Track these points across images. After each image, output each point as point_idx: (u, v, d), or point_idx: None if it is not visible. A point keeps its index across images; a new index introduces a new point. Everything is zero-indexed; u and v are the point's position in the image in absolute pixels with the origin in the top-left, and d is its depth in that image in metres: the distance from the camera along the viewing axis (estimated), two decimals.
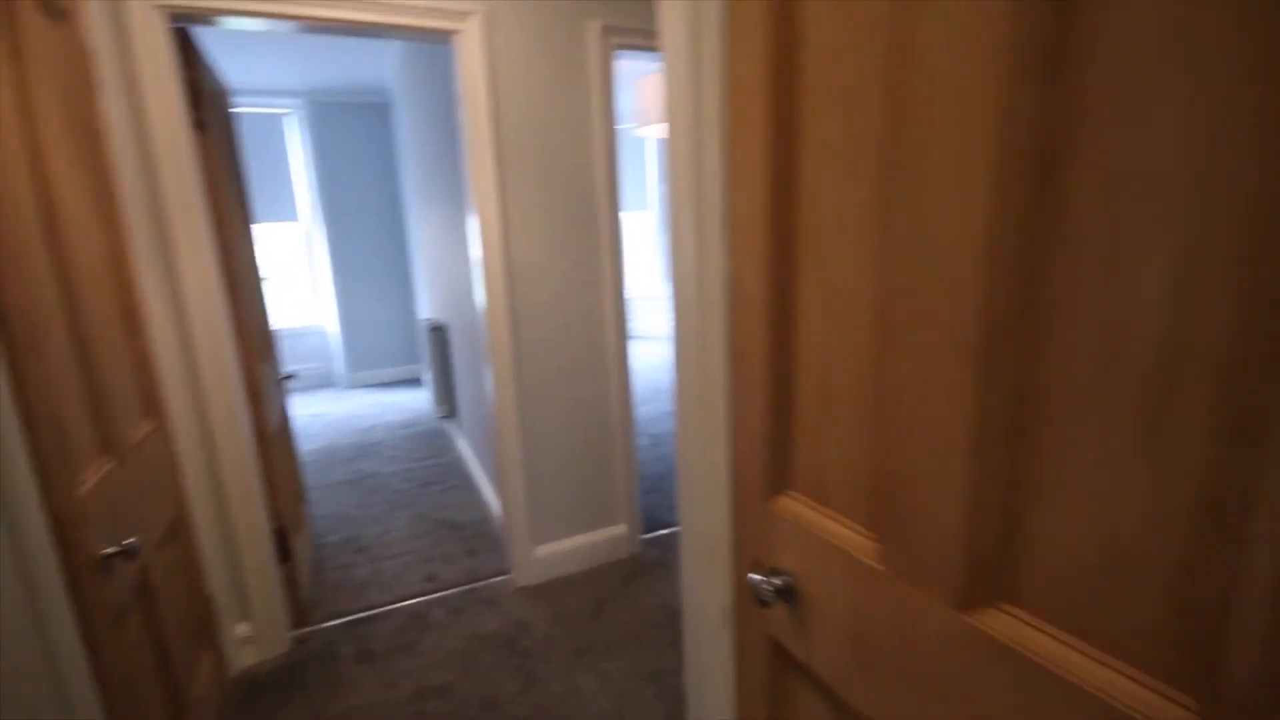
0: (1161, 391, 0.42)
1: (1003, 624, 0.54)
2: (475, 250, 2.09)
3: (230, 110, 2.26)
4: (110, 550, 1.13)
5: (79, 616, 1.01)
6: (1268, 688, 0.37)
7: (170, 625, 1.43)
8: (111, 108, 1.53)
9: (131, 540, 1.15)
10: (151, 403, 1.56)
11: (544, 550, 2.29)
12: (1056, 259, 0.47)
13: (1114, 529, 0.46)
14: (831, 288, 0.70)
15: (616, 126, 2.18)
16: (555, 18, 2.02)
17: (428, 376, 4.94)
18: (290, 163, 5.30)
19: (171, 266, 1.68)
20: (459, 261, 2.95)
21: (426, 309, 4.72)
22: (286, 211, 5.37)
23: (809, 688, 0.83)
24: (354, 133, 5.39)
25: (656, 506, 2.85)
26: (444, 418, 4.18)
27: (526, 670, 1.81)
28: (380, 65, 4.74)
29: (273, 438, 2.12)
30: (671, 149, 0.93)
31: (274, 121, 5.17)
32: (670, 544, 2.51)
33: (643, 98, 3.47)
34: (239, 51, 4.14)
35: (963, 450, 0.55)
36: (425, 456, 3.79)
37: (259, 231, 5.33)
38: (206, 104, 1.77)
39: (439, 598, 2.23)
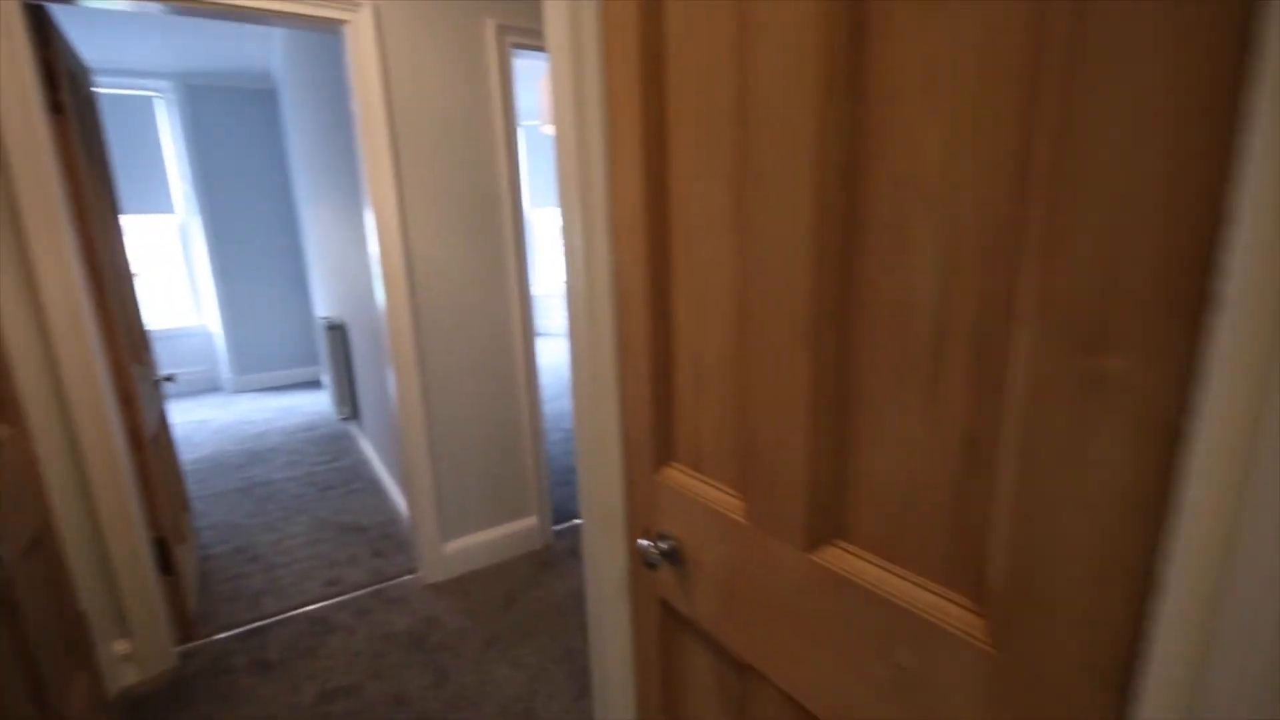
0: (935, 356, 0.53)
1: (838, 558, 0.65)
2: (373, 246, 2.05)
3: (91, 91, 2.08)
4: None
5: None
6: (1015, 585, 0.49)
7: (39, 645, 1.33)
8: None
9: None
10: (6, 406, 1.43)
11: (454, 546, 2.28)
12: (862, 253, 0.57)
13: (911, 469, 0.57)
14: (701, 280, 0.79)
15: (521, 123, 2.21)
16: (449, 14, 2.01)
17: (327, 378, 4.71)
18: (163, 150, 4.87)
19: (26, 258, 1.54)
20: (357, 257, 2.86)
21: (324, 307, 4.51)
22: (160, 203, 4.94)
23: (694, 640, 0.92)
24: (236, 120, 5.03)
25: (570, 499, 2.90)
26: (346, 419, 4.02)
27: (437, 665, 1.81)
28: (265, 50, 4.46)
29: (150, 443, 1.99)
30: (559, 148, 0.99)
31: (143, 105, 4.74)
32: (581, 534, 2.57)
33: (548, 95, 3.50)
34: (100, 27, 3.77)
35: (801, 415, 0.65)
36: (326, 460, 3.63)
37: (129, 223, 4.87)
38: (64, 85, 1.63)
39: (343, 601, 2.17)
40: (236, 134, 5.04)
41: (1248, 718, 0.36)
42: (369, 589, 2.24)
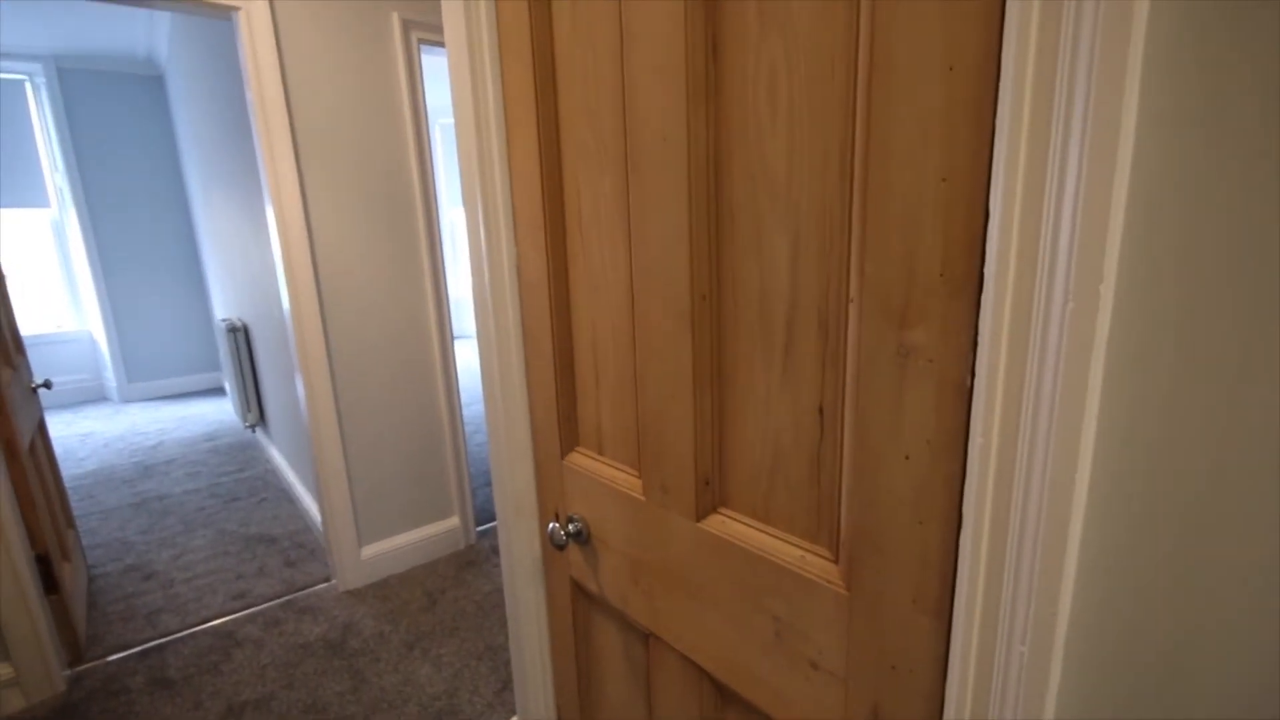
0: (790, 334, 0.60)
1: (721, 524, 0.72)
2: (276, 244, 1.97)
3: None
4: None
5: None
6: (857, 532, 0.57)
7: None
8: None
9: None
10: None
11: (371, 550, 2.23)
12: (729, 242, 0.64)
13: (774, 437, 0.64)
14: (596, 270, 0.83)
15: (437, 121, 2.18)
16: (351, 6, 1.97)
17: (229, 384, 4.44)
18: (35, 138, 4.44)
19: None
20: (259, 256, 2.73)
21: (224, 308, 4.25)
22: (33, 196, 4.50)
23: (603, 616, 0.97)
24: (119, 107, 4.65)
25: (493, 500, 2.89)
26: (251, 427, 3.81)
27: (355, 670, 1.78)
28: (150, 33, 4.16)
29: (25, 455, 1.83)
30: (461, 145, 1.01)
31: (12, 89, 4.31)
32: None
33: None
34: None
35: (685, 392, 0.71)
36: (231, 470, 3.44)
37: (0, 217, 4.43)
38: None
39: (251, 614, 2.08)
40: (119, 122, 4.66)
41: (1031, 633, 0.45)
42: (280, 599, 2.16)
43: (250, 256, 2.96)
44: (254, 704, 1.66)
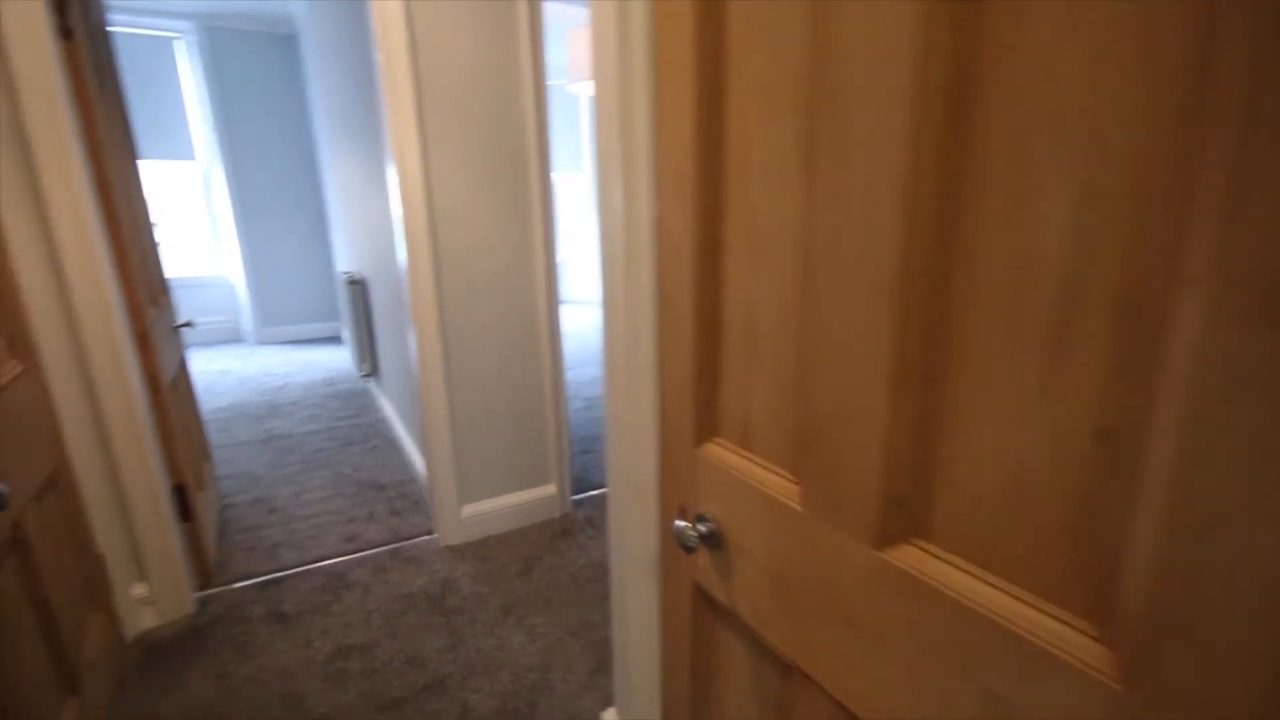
0: (1062, 326, 0.43)
1: (915, 559, 0.56)
2: (395, 203, 1.96)
3: (105, 24, 1.99)
4: None
5: None
6: (1161, 613, 0.40)
7: (53, 584, 1.31)
8: None
9: (1, 488, 1.03)
10: (17, 343, 1.39)
11: (471, 509, 2.25)
12: (968, 199, 0.47)
13: (1018, 462, 0.47)
14: (758, 229, 0.69)
15: (548, 81, 2.08)
16: None
17: (348, 334, 4.69)
18: (184, 94, 4.79)
19: (38, 189, 1.48)
20: (379, 213, 2.77)
21: (345, 262, 4.46)
22: (181, 149, 4.89)
23: (732, 632, 0.85)
24: (257, 65, 4.92)
25: (589, 468, 2.85)
26: (366, 376, 4.00)
27: (453, 628, 1.79)
28: None
29: (168, 389, 1.95)
30: (599, 88, 0.89)
31: (162, 46, 4.65)
32: (601, 504, 2.52)
33: (575, 51, 3.34)
34: None
35: (879, 391, 0.55)
36: (346, 416, 3.62)
37: (150, 168, 4.84)
38: (74, 9, 1.54)
39: (360, 557, 2.15)
40: (258, 79, 4.94)
41: None
42: (386, 547, 2.22)
43: (371, 213, 3.03)
44: (359, 649, 1.71)
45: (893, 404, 0.55)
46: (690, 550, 0.79)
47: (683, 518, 0.88)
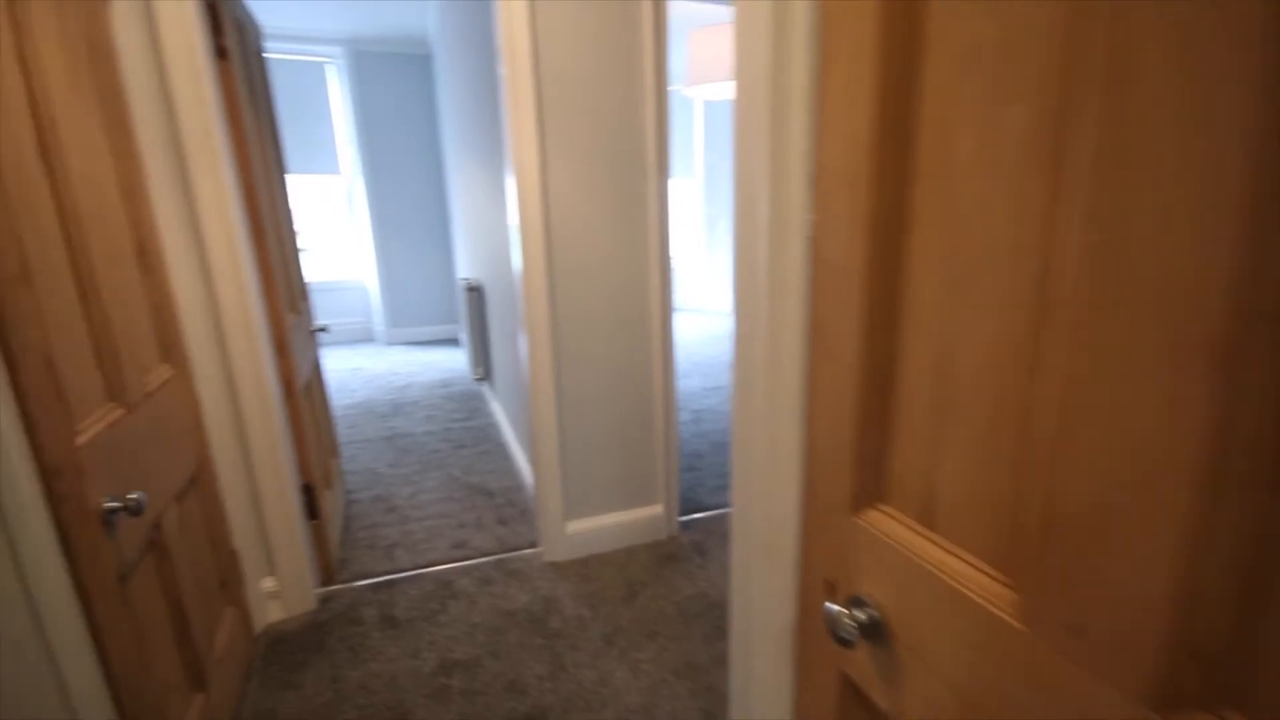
0: None
1: None
2: (513, 211, 1.94)
3: (259, 45, 2.13)
4: (113, 505, 1.04)
5: (74, 574, 0.93)
6: None
7: (188, 581, 1.37)
8: (122, 26, 1.41)
9: (135, 496, 1.07)
10: (170, 348, 1.48)
11: (576, 526, 2.18)
12: None
13: None
14: (961, 248, 0.52)
15: (669, 86, 1.97)
16: None
17: (464, 337, 4.88)
18: (332, 113, 5.21)
19: (192, 204, 1.58)
20: (497, 222, 2.81)
21: (464, 268, 4.63)
22: (328, 164, 5.31)
23: None
24: (395, 84, 5.26)
25: (695, 487, 2.72)
26: (479, 380, 4.11)
27: (555, 653, 1.72)
28: (422, 13, 4.56)
29: (301, 392, 2.05)
30: (743, 83, 0.75)
31: (315, 70, 5.08)
32: (708, 528, 2.38)
33: (695, 52, 3.22)
34: None
35: (1180, 489, 0.37)
36: (460, 418, 3.74)
37: (300, 183, 5.29)
38: (229, 31, 1.64)
39: (467, 566, 2.16)
40: (394, 98, 5.28)
41: None
42: (492, 557, 2.21)
43: (489, 222, 3.09)
44: (463, 666, 1.68)
45: (1204, 512, 0.37)
46: (847, 644, 0.64)
47: (833, 598, 0.72)
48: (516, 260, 1.99)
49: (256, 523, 1.82)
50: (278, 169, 2.21)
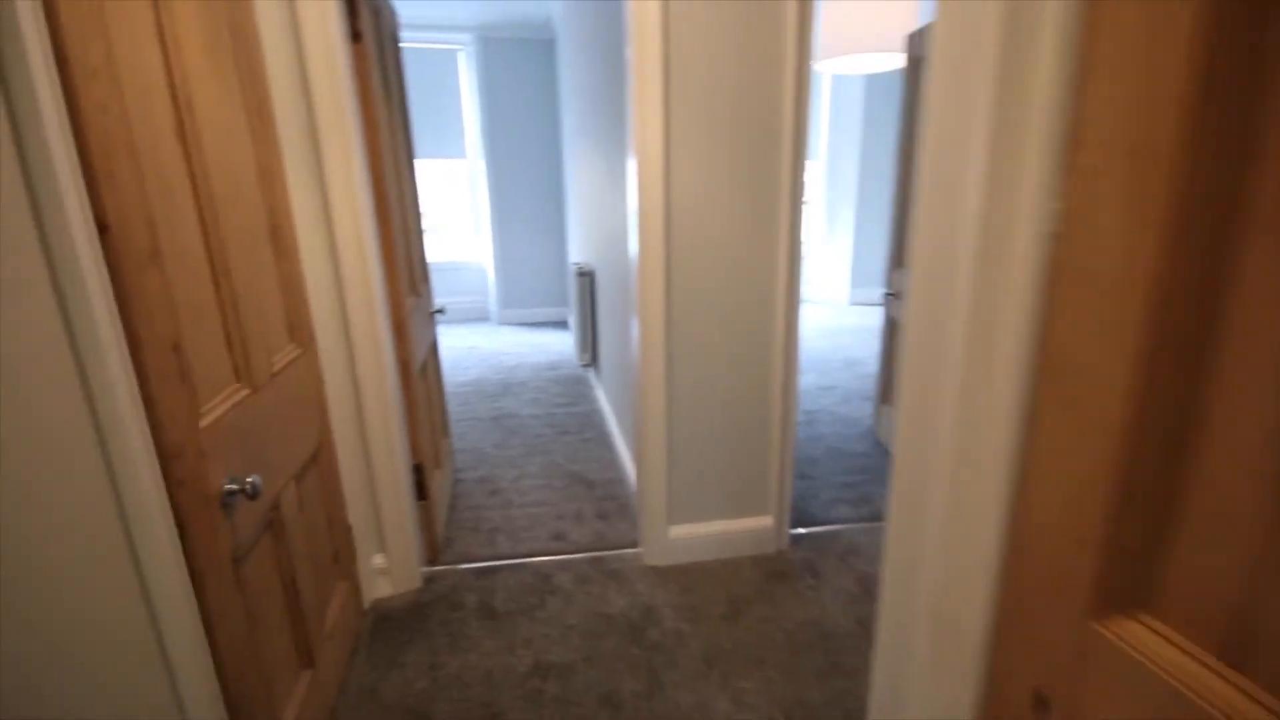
0: None
1: None
2: (632, 195, 1.83)
3: (394, 30, 2.15)
4: (232, 487, 1.05)
5: (189, 556, 0.93)
6: None
7: (302, 558, 1.39)
8: (263, 8, 1.43)
9: (253, 480, 1.07)
10: (298, 328, 1.51)
11: (679, 531, 2.07)
12: None
13: None
14: None
15: (814, 59, 1.77)
16: None
17: (573, 321, 4.90)
18: (461, 100, 5.37)
19: (323, 188, 1.60)
20: (612, 207, 2.73)
21: (576, 252, 4.63)
22: (456, 148, 5.50)
23: None
24: (519, 70, 5.33)
25: (808, 498, 2.51)
26: (585, 365, 4.10)
27: (652, 668, 1.62)
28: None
29: (417, 374, 2.08)
30: (946, 35, 0.57)
31: (448, 58, 5.24)
32: (822, 545, 2.18)
33: (829, 21, 2.95)
34: None
35: None
36: (564, 403, 3.74)
37: (430, 167, 5.51)
38: (363, 14, 1.63)
39: (566, 560, 2.11)
40: (517, 84, 5.35)
41: None
42: (590, 554, 2.15)
43: (604, 207, 3.02)
44: (558, 670, 1.62)
45: None
46: None
47: (1044, 711, 0.54)
48: (633, 245, 1.88)
49: (370, 500, 1.85)
50: (406, 153, 2.24)
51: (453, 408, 3.68)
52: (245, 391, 1.17)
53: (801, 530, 2.26)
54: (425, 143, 5.41)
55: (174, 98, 1.00)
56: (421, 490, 2.04)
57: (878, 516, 2.36)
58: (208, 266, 1.09)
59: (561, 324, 5.87)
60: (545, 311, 6.00)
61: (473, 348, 5.06)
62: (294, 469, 1.39)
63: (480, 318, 6.06)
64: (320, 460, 1.59)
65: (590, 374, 4.13)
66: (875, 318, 5.81)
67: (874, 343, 4.95)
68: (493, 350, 4.96)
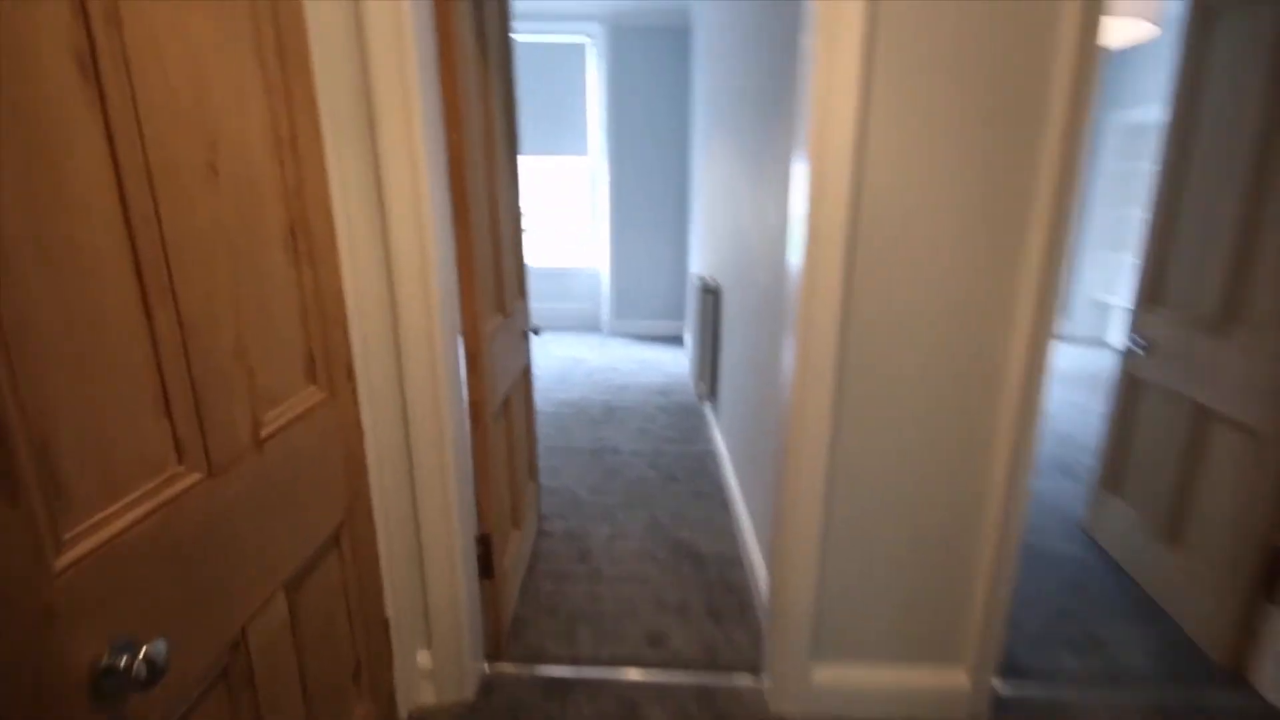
0: None
1: None
2: (798, 201, 1.26)
3: (505, 21, 1.73)
4: (116, 663, 0.61)
5: None
6: None
7: (312, 678, 0.97)
8: None
9: (156, 646, 0.63)
10: (326, 364, 1.09)
11: (826, 673, 1.47)
12: None
13: None
14: None
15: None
16: None
17: (689, 338, 4.38)
18: (585, 93, 5.04)
19: (378, 177, 1.18)
20: (754, 215, 2.17)
21: (700, 264, 4.10)
22: (577, 145, 5.17)
23: None
24: (649, 61, 4.91)
25: (1025, 644, 1.76)
26: (702, 398, 3.56)
27: None
28: None
29: (496, 412, 1.64)
30: None
31: (574, 51, 4.93)
32: (1046, 712, 1.48)
33: None
34: None
35: None
36: (674, 438, 3.22)
37: (547, 164, 5.22)
38: None
39: (662, 684, 1.58)
40: (646, 76, 4.94)
41: None
42: (696, 676, 1.60)
43: (740, 215, 2.46)
44: None
45: None
46: None
47: None
48: (793, 262, 1.32)
49: (417, 582, 1.43)
50: (506, 140, 1.82)
51: (548, 433, 3.28)
52: (192, 478, 0.75)
53: (1007, 690, 1.57)
54: (542, 137, 5.13)
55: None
56: (487, 566, 1.60)
57: (1118, 674, 1.61)
58: (131, 278, 0.67)
59: (676, 339, 5.37)
60: (660, 324, 5.53)
61: (579, 360, 4.69)
62: (289, 571, 0.96)
63: (590, 327, 5.71)
64: (344, 541, 1.17)
65: (707, 408, 3.58)
66: (1086, 359, 4.79)
67: (1083, 395, 3.97)
68: (600, 365, 4.56)
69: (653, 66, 4.92)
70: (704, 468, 2.88)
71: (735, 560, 2.13)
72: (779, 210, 1.72)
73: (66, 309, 0.59)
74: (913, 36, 1.13)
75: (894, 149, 1.18)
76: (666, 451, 3.07)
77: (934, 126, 1.18)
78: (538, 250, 5.59)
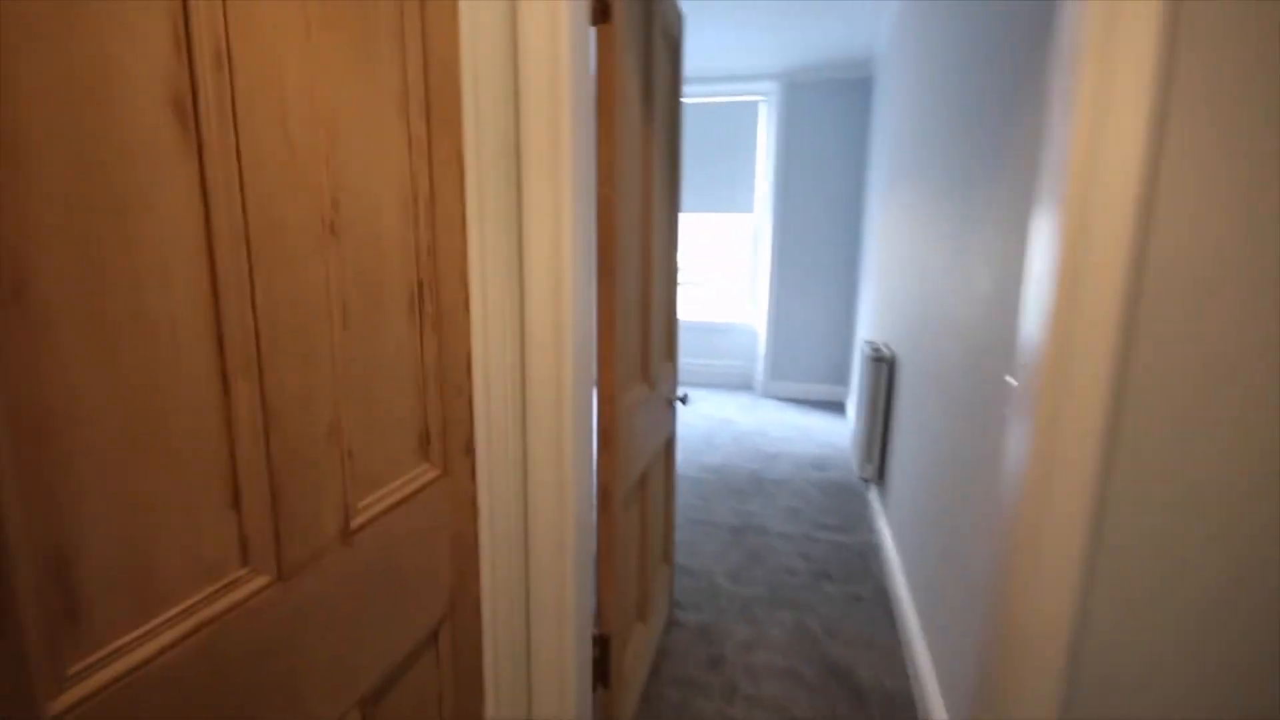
0: None
1: None
2: (1041, 254, 0.95)
3: (671, 27, 1.63)
4: None
5: None
6: None
7: None
8: None
9: None
10: (443, 438, 0.98)
11: None
12: None
13: None
14: None
15: None
16: None
17: (852, 410, 3.94)
18: (755, 150, 4.93)
19: (520, 229, 1.08)
20: (954, 280, 1.82)
21: (870, 329, 3.69)
22: (744, 202, 5.05)
23: None
24: (824, 114, 4.68)
25: None
26: (866, 479, 3.12)
27: None
28: (871, 29, 3.82)
29: (629, 493, 1.46)
30: None
31: (748, 109, 4.86)
32: None
33: None
34: (708, 29, 3.79)
35: None
36: (831, 524, 2.82)
37: (712, 221, 5.14)
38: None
39: None
40: (820, 130, 4.71)
41: None
42: None
43: (932, 279, 2.11)
44: None
45: None
46: None
47: None
48: (1031, 333, 0.99)
49: (522, 690, 1.26)
50: (666, 202, 1.69)
51: (687, 502, 3.04)
52: (256, 583, 0.64)
53: None
54: (707, 194, 5.07)
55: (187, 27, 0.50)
56: (603, 673, 1.39)
57: None
58: (210, 351, 0.58)
59: (836, 407, 4.90)
60: (818, 388, 5.11)
61: (727, 421, 4.43)
62: (370, 683, 0.83)
63: (743, 385, 5.44)
64: (443, 639, 1.03)
65: (871, 492, 3.13)
66: None
67: None
68: (751, 428, 4.26)
69: (827, 122, 4.69)
70: (865, 565, 2.46)
71: (905, 699, 1.71)
72: (995, 277, 1.38)
73: (115, 389, 0.49)
74: (1235, 50, 0.80)
75: (1196, 201, 0.84)
76: (820, 539, 2.68)
77: (1260, 174, 0.82)
78: (693, 305, 5.50)
